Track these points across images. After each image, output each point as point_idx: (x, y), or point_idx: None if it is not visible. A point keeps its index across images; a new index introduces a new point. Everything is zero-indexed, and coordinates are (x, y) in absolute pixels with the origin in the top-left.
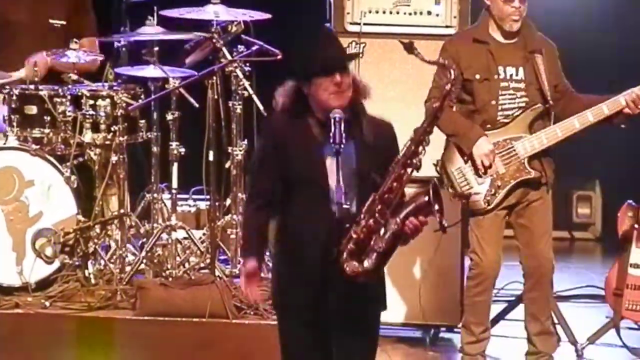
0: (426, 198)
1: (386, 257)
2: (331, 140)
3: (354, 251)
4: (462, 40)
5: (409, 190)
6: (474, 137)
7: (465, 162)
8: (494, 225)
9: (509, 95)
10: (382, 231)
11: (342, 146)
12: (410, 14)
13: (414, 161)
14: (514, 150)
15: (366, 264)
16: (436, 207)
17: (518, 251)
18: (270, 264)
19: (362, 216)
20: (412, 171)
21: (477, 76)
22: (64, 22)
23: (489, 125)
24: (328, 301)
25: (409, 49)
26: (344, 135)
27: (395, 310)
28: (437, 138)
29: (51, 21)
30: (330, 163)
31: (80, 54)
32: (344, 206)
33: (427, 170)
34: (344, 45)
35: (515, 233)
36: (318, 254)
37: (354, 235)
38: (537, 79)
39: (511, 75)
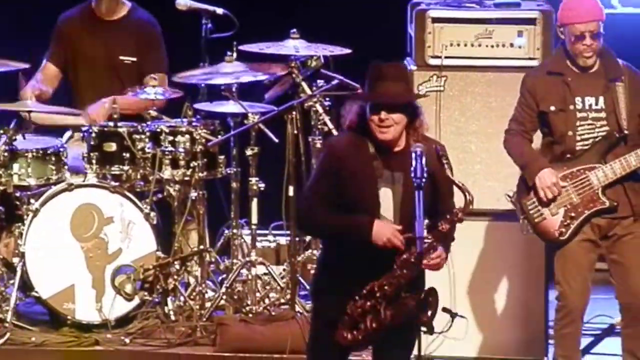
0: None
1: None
2: (412, 175)
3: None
4: (538, 73)
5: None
6: (537, 169)
7: (527, 193)
8: (578, 257)
9: (588, 125)
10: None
11: (424, 180)
12: (492, 46)
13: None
14: (588, 180)
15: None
16: (429, 313)
17: (609, 285)
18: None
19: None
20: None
21: (552, 108)
22: (134, 59)
23: (568, 155)
24: None
25: None
26: (425, 169)
27: (478, 345)
28: (510, 169)
29: (121, 58)
30: (384, 193)
31: (158, 90)
32: (425, 240)
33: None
34: (406, 83)
35: (610, 269)
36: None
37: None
38: (615, 108)
39: (590, 105)
